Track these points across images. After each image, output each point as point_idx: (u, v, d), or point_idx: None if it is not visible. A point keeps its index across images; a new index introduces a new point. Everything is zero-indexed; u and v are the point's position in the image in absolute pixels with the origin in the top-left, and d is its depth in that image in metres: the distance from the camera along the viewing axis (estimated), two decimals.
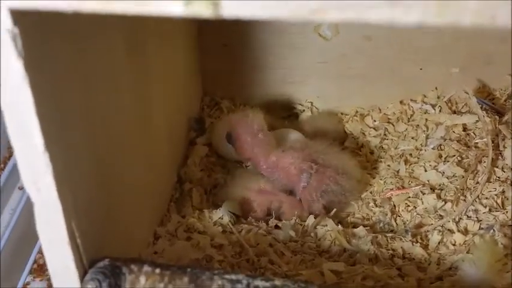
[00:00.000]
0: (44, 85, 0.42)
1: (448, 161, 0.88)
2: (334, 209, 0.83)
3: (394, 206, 0.84)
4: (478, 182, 0.84)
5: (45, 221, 0.47)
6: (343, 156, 0.88)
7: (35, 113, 0.41)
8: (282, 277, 0.66)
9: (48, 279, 0.85)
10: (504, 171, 0.84)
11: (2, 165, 0.99)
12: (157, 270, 0.52)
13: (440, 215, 0.80)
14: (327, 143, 0.89)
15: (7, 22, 0.38)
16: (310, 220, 0.79)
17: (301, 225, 0.78)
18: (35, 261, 0.87)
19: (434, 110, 0.98)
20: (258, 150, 0.87)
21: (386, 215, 0.83)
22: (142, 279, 0.51)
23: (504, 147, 0.87)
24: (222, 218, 0.78)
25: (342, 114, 1.03)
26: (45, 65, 0.43)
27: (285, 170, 0.85)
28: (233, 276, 0.52)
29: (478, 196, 0.81)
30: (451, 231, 0.77)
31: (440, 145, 0.91)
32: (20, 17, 0.38)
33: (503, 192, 0.82)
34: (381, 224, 0.82)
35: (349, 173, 0.85)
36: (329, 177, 0.83)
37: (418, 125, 0.97)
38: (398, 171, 0.90)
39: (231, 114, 0.95)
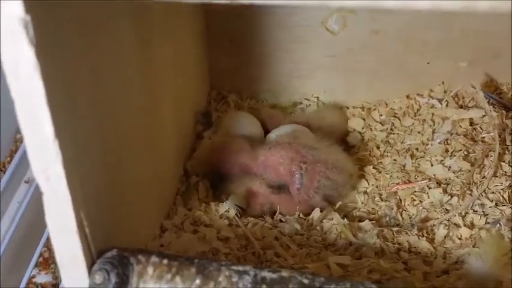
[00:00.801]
0: (54, 73, 0.43)
1: (454, 156, 0.88)
2: (340, 202, 0.83)
3: (400, 200, 0.84)
4: (484, 177, 0.84)
5: (54, 210, 0.47)
6: (333, 150, 0.87)
7: (45, 101, 0.41)
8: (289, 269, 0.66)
9: (54, 272, 0.85)
10: (511, 166, 0.84)
11: (9, 159, 0.99)
12: (165, 261, 0.52)
13: (447, 209, 0.80)
14: (318, 137, 0.89)
15: (19, 10, 0.38)
16: (316, 214, 0.79)
17: (305, 219, 0.78)
18: (40, 255, 0.87)
19: (441, 104, 0.98)
20: (242, 160, 0.87)
21: (392, 209, 0.83)
22: (150, 270, 0.52)
23: (511, 141, 0.87)
24: (228, 211, 0.79)
25: (348, 108, 1.03)
26: (56, 53, 0.43)
27: (274, 170, 0.84)
28: (240, 268, 0.52)
29: (484, 190, 0.81)
30: (457, 226, 0.77)
31: (446, 139, 0.91)
32: (31, 4, 0.38)
33: (509, 186, 0.81)
34: (387, 218, 0.82)
35: (339, 167, 0.85)
36: (319, 172, 0.83)
37: (424, 120, 0.96)
38: (404, 166, 0.90)
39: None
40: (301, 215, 0.80)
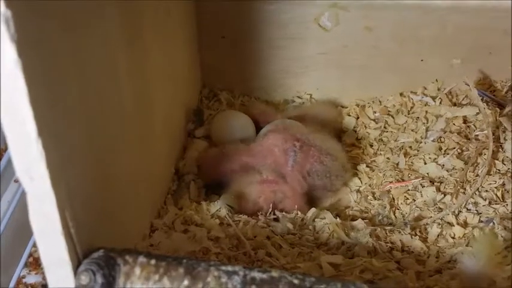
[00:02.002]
0: (38, 71, 0.42)
1: (448, 154, 0.88)
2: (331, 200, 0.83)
3: (393, 198, 0.84)
4: (478, 175, 0.83)
5: (38, 211, 0.46)
6: (327, 139, 0.88)
7: (27, 99, 0.40)
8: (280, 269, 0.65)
9: (43, 273, 0.84)
10: (504, 164, 0.84)
11: None
12: (153, 261, 0.51)
13: (440, 208, 0.80)
14: (312, 128, 0.89)
15: None
16: (309, 213, 0.78)
17: (302, 219, 0.78)
18: (30, 255, 0.87)
19: (435, 102, 0.97)
20: (240, 160, 0.86)
21: (385, 207, 0.82)
22: (137, 270, 0.51)
23: (505, 139, 0.87)
24: (220, 211, 0.78)
25: (341, 106, 1.03)
26: (39, 50, 0.42)
27: (270, 153, 0.84)
28: (229, 268, 0.51)
29: (477, 189, 0.81)
30: (451, 224, 0.77)
31: (440, 137, 0.91)
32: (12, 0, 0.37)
33: (503, 184, 0.81)
34: (380, 217, 0.82)
35: (333, 154, 0.85)
36: (313, 156, 0.83)
37: (418, 117, 0.96)
38: (397, 164, 0.90)
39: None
40: (299, 213, 0.79)
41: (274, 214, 0.79)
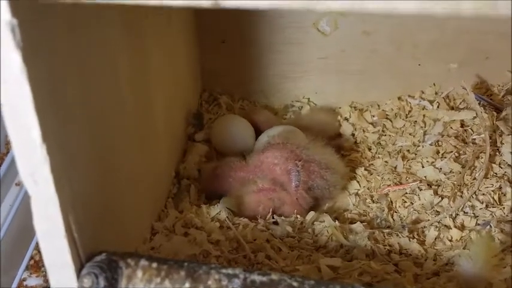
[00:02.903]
0: (42, 77, 0.42)
1: (445, 157, 0.88)
2: (327, 204, 0.83)
3: (391, 202, 0.84)
4: (475, 178, 0.84)
5: (41, 214, 0.47)
6: (325, 151, 0.88)
7: (33, 105, 0.41)
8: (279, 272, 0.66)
9: (45, 276, 0.85)
10: (501, 167, 0.85)
11: None
12: (154, 265, 0.52)
13: (437, 211, 0.81)
14: (309, 138, 0.89)
15: (6, 13, 0.38)
16: (308, 216, 0.79)
17: (301, 223, 0.78)
18: (31, 258, 0.87)
19: (432, 106, 0.98)
20: (237, 176, 0.86)
21: (383, 210, 0.83)
22: (139, 273, 0.51)
23: (502, 143, 0.87)
24: (220, 214, 0.78)
25: (340, 109, 1.03)
26: (43, 57, 0.43)
27: (270, 171, 0.83)
28: (230, 271, 0.52)
29: (475, 192, 0.82)
30: (448, 227, 0.77)
31: (437, 141, 0.91)
32: (18, 8, 0.38)
33: (500, 188, 0.82)
34: (378, 220, 0.82)
35: (332, 168, 0.85)
36: (313, 172, 0.83)
37: (416, 121, 0.97)
38: (395, 167, 0.90)
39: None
40: (298, 217, 0.79)
41: (273, 218, 0.80)
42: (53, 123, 0.45)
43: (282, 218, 0.79)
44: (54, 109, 0.45)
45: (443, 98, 0.98)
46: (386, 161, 0.92)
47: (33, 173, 0.44)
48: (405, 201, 0.84)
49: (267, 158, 0.84)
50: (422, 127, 0.95)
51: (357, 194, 0.88)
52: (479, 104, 0.92)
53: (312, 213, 0.79)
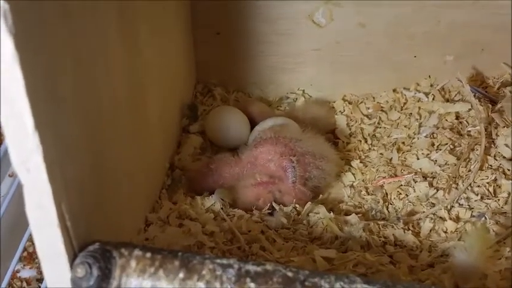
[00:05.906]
0: (35, 63, 0.42)
1: (440, 149, 0.88)
2: (321, 195, 0.83)
3: (386, 194, 0.84)
4: (470, 170, 0.84)
5: (34, 203, 0.46)
6: (318, 141, 0.87)
7: (25, 92, 0.40)
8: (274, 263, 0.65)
9: (38, 267, 0.84)
10: (496, 159, 0.85)
11: None
12: (148, 255, 0.52)
13: (432, 203, 0.80)
14: (302, 128, 0.89)
15: None
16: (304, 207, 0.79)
17: (298, 214, 0.78)
18: (24, 249, 0.87)
19: (428, 98, 0.98)
20: (230, 172, 0.85)
21: (379, 202, 0.83)
22: (133, 263, 0.51)
23: (497, 135, 0.87)
24: (214, 205, 0.78)
25: (334, 102, 1.03)
26: (36, 43, 0.42)
27: (265, 168, 0.83)
28: (224, 261, 0.52)
29: (470, 184, 0.82)
30: (443, 219, 0.77)
31: (433, 133, 0.91)
32: None
33: (495, 180, 0.82)
34: (373, 212, 0.82)
35: (326, 156, 0.85)
36: (309, 163, 0.83)
37: (411, 113, 0.97)
38: (391, 160, 0.90)
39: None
40: (297, 206, 0.79)
41: (269, 209, 0.79)
42: (46, 111, 0.44)
43: (280, 206, 0.79)
44: (47, 97, 0.45)
45: (438, 90, 0.98)
46: (381, 153, 0.92)
47: (26, 161, 0.44)
48: (400, 193, 0.84)
49: (261, 153, 0.84)
50: (417, 119, 0.95)
51: (352, 186, 0.88)
52: (474, 96, 0.92)
53: (307, 204, 0.79)
